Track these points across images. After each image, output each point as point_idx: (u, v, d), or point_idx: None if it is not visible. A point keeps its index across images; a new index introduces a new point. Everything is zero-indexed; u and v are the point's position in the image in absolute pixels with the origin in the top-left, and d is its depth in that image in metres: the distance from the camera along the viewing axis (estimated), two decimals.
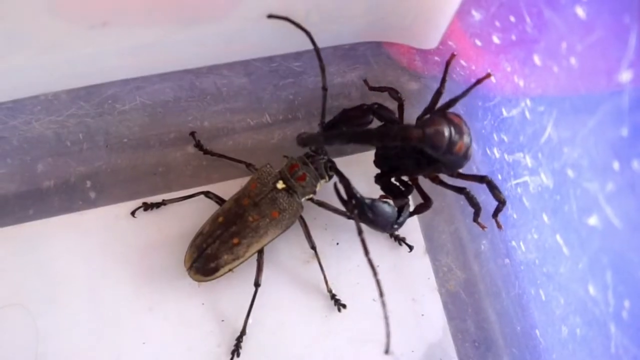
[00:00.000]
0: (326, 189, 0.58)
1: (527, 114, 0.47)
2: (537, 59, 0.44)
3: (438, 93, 0.56)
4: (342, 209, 0.53)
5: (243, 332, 0.57)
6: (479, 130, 0.56)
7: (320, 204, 0.59)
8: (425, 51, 0.57)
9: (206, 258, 0.56)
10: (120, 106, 0.61)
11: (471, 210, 0.58)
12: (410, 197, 0.55)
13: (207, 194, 0.60)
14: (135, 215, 0.61)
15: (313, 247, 0.58)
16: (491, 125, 0.54)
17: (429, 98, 0.59)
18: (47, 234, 0.62)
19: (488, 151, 0.56)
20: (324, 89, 0.55)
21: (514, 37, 0.46)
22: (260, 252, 0.57)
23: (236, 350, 0.57)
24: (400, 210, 0.54)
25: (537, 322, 0.54)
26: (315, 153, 0.58)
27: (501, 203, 0.55)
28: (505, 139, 0.53)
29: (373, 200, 0.52)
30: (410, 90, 0.61)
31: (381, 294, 0.44)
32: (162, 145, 0.65)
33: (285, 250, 0.61)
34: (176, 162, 0.65)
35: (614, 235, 0.39)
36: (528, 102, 0.47)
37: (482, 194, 0.57)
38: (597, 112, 0.38)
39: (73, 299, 0.59)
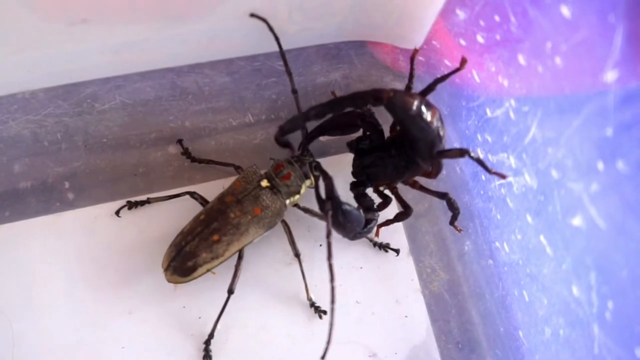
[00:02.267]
0: (312, 196, 0.58)
1: (512, 114, 0.47)
2: (521, 59, 0.44)
3: (407, 89, 0.56)
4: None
5: (211, 336, 0.56)
6: (462, 130, 0.56)
7: (306, 210, 0.59)
8: (409, 51, 0.57)
9: (184, 256, 0.54)
10: (99, 105, 0.60)
11: None
12: (378, 213, 0.56)
13: (192, 194, 0.59)
14: (119, 215, 0.60)
15: (297, 255, 0.57)
16: (475, 126, 0.54)
17: None
18: (24, 235, 0.60)
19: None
20: (294, 91, 0.55)
21: (498, 37, 0.46)
22: (240, 258, 0.56)
23: (206, 354, 0.56)
24: (368, 222, 0.54)
25: (521, 323, 0.54)
26: (301, 154, 0.58)
27: (456, 215, 0.57)
28: (489, 139, 0.52)
29: (349, 205, 0.52)
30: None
31: (332, 301, 0.44)
32: (142, 145, 0.64)
33: (268, 252, 0.60)
34: (157, 162, 0.63)
35: (598, 235, 0.39)
36: (512, 102, 0.47)
37: (466, 195, 0.57)
38: (582, 112, 0.38)
39: (51, 302, 0.58)
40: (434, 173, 0.57)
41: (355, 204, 0.55)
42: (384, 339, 0.58)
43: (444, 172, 0.61)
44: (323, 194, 0.49)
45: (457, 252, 0.61)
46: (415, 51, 0.56)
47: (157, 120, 0.63)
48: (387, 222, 0.60)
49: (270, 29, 0.52)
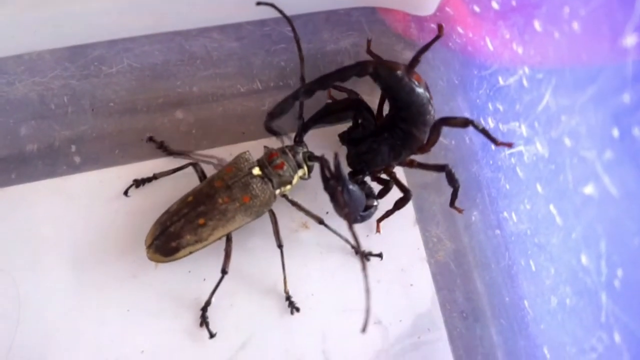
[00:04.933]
0: (301, 191, 0.59)
1: (525, 82, 0.47)
2: (537, 25, 0.43)
3: (415, 61, 0.55)
4: (314, 212, 0.57)
5: (207, 304, 0.56)
6: (473, 100, 0.56)
7: (294, 203, 0.58)
8: (421, 18, 0.56)
9: (168, 236, 0.54)
10: (107, 68, 0.60)
11: (462, 181, 0.58)
12: (378, 200, 0.56)
13: (195, 165, 0.58)
14: (128, 195, 0.60)
15: (280, 246, 0.56)
16: (486, 95, 0.53)
17: (424, 68, 0.58)
18: (30, 198, 0.60)
19: (482, 121, 0.56)
20: (302, 78, 0.54)
21: (514, 3, 0.45)
22: (229, 240, 0.56)
23: (203, 321, 0.56)
24: (367, 208, 0.55)
25: (526, 292, 0.54)
26: (295, 144, 0.57)
27: (456, 190, 0.57)
28: (501, 108, 0.52)
29: (353, 185, 0.52)
30: (404, 59, 0.60)
31: (363, 268, 0.43)
32: (149, 110, 0.63)
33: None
34: (164, 127, 0.63)
35: (610, 203, 0.39)
36: (526, 69, 0.46)
37: (474, 165, 0.57)
38: (599, 79, 0.37)
39: (56, 265, 0.58)
40: (429, 144, 0.58)
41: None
42: (389, 306, 0.58)
43: (452, 142, 0.61)
44: (330, 170, 0.49)
45: (464, 222, 0.61)
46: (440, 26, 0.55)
47: (165, 85, 0.62)
48: (387, 214, 0.59)
49: (282, 13, 0.52)
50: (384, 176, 0.59)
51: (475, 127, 0.53)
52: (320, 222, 0.57)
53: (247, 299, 0.58)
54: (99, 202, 0.60)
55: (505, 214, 0.56)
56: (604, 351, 0.42)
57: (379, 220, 0.60)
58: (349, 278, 0.59)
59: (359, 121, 0.60)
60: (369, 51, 0.61)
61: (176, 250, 0.54)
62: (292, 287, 0.58)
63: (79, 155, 0.62)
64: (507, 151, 0.52)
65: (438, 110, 0.57)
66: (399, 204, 0.58)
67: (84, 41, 0.56)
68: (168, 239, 0.54)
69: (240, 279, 0.58)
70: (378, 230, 0.60)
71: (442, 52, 0.58)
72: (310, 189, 0.61)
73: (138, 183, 0.60)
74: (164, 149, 0.62)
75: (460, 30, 0.53)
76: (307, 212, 0.57)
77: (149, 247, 0.55)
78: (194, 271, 0.59)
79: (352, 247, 0.59)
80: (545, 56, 0.44)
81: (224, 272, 0.55)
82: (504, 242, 0.57)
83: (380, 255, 0.59)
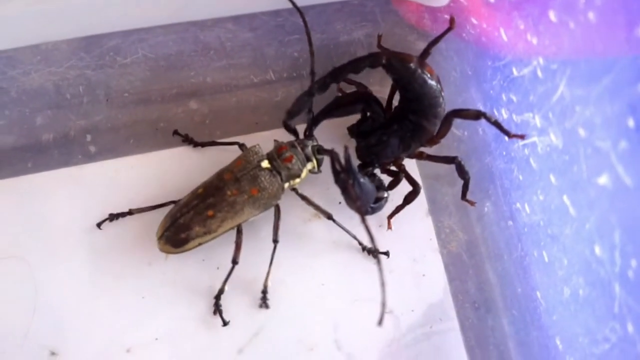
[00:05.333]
0: (313, 184, 0.59)
1: (539, 73, 0.47)
2: (552, 15, 0.43)
3: (426, 53, 0.56)
4: (324, 206, 0.57)
5: (221, 292, 0.57)
6: (487, 91, 0.56)
7: (303, 197, 0.58)
8: (434, 9, 0.56)
9: (178, 227, 0.55)
10: (121, 59, 0.60)
11: (475, 172, 0.58)
12: (388, 192, 0.56)
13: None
14: (101, 228, 0.59)
15: (275, 241, 0.56)
16: (500, 86, 0.53)
17: (437, 59, 0.58)
18: (47, 187, 0.61)
19: (496, 112, 0.55)
20: (311, 72, 0.55)
21: None
22: (239, 232, 0.56)
23: (216, 309, 0.57)
24: (378, 199, 0.56)
25: (539, 283, 0.54)
26: (305, 138, 0.57)
27: (466, 182, 0.58)
28: (514, 99, 0.52)
29: (364, 178, 0.52)
30: (417, 50, 0.60)
31: (379, 260, 0.44)
32: (163, 100, 0.64)
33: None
34: (178, 117, 0.64)
35: (624, 194, 0.39)
36: (540, 60, 0.46)
37: (487, 156, 0.57)
38: (614, 69, 0.37)
39: (72, 252, 0.59)
40: (439, 136, 0.58)
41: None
42: (401, 296, 0.58)
43: (464, 133, 0.61)
44: (340, 163, 0.49)
45: (477, 214, 0.61)
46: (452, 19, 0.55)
47: (179, 75, 0.63)
48: (398, 209, 0.59)
49: (293, 4, 0.52)
50: (393, 168, 0.60)
51: (488, 119, 0.53)
52: (329, 217, 0.57)
53: (260, 288, 0.58)
54: (114, 191, 0.60)
55: (518, 205, 0.56)
56: (617, 341, 0.42)
57: (390, 216, 0.60)
58: (361, 268, 0.59)
59: (368, 114, 0.60)
60: (379, 46, 0.61)
61: (185, 241, 0.55)
62: (304, 276, 0.59)
63: (94, 145, 0.63)
64: (521, 142, 0.52)
65: (451, 101, 0.57)
66: (409, 198, 0.58)
67: (100, 31, 0.57)
68: (178, 231, 0.55)
69: (254, 268, 0.58)
70: (389, 227, 0.60)
71: (455, 43, 0.58)
72: (321, 182, 0.61)
73: (112, 217, 0.59)
74: (190, 141, 0.62)
75: (474, 21, 0.53)
76: (317, 207, 0.57)
77: (159, 238, 0.56)
78: (208, 260, 0.59)
79: (360, 243, 0.59)
80: (560, 47, 0.44)
81: (234, 262, 0.56)
82: (516, 234, 0.57)
83: (387, 253, 0.59)
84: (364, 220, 0.44)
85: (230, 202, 0.55)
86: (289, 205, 0.59)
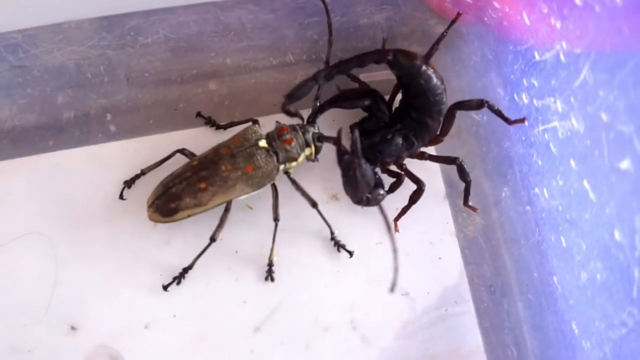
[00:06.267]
0: (303, 174, 0.59)
1: (562, 57, 0.47)
2: None
3: (433, 49, 0.57)
4: (311, 195, 0.56)
5: (190, 267, 0.58)
6: (507, 75, 0.56)
7: (293, 181, 0.58)
8: None
9: (169, 197, 0.55)
10: (142, 39, 0.60)
11: (493, 157, 0.58)
12: (385, 192, 0.55)
13: (182, 151, 0.59)
14: (124, 198, 0.60)
15: (275, 219, 0.57)
16: (521, 70, 0.53)
17: (457, 43, 0.58)
18: (67, 165, 0.62)
19: (516, 97, 0.55)
20: (326, 62, 0.55)
21: None
22: (226, 210, 0.57)
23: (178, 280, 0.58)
24: (376, 194, 0.54)
25: (556, 268, 0.54)
26: (307, 123, 0.58)
27: (468, 185, 0.58)
28: (536, 83, 0.52)
29: (367, 164, 0.52)
30: (437, 34, 0.59)
31: (394, 250, 0.45)
32: (183, 81, 0.64)
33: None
34: (197, 98, 0.64)
35: None
36: (564, 44, 0.46)
37: (506, 141, 0.57)
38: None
39: (92, 229, 0.60)
40: (443, 134, 0.58)
41: None
42: (417, 279, 0.59)
43: (484, 117, 0.61)
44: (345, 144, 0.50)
45: (494, 198, 0.61)
46: (459, 15, 0.57)
47: (199, 56, 0.63)
48: (404, 210, 0.59)
49: None
50: (394, 169, 0.60)
51: (490, 107, 0.54)
52: (314, 205, 0.57)
53: (276, 269, 0.59)
54: (134, 170, 0.61)
55: (536, 190, 0.56)
56: (635, 326, 0.42)
57: (396, 219, 0.60)
58: (377, 249, 0.60)
59: (373, 112, 0.60)
60: (383, 50, 0.61)
61: (175, 211, 0.55)
62: (322, 257, 0.59)
63: (114, 124, 0.64)
64: (541, 127, 0.52)
65: (471, 85, 0.58)
66: (414, 197, 0.58)
67: (122, 11, 0.57)
68: (168, 200, 0.55)
69: (268, 249, 0.58)
70: (397, 229, 0.60)
71: (476, 27, 0.58)
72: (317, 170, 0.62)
73: (128, 183, 0.60)
74: (212, 124, 0.63)
75: (496, 4, 0.53)
76: (304, 193, 0.57)
77: (149, 206, 0.56)
78: (226, 240, 0.60)
79: (331, 233, 0.59)
80: (584, 30, 0.44)
81: (212, 239, 0.56)
82: (534, 219, 0.57)
83: (350, 253, 0.59)
84: (380, 206, 0.46)
85: (224, 177, 0.55)
86: (306, 186, 0.59)
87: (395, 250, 0.44)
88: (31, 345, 0.56)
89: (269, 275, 0.58)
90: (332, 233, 0.59)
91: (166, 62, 0.63)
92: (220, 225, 0.56)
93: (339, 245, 0.59)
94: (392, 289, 0.44)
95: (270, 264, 0.58)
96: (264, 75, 0.65)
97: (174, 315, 0.58)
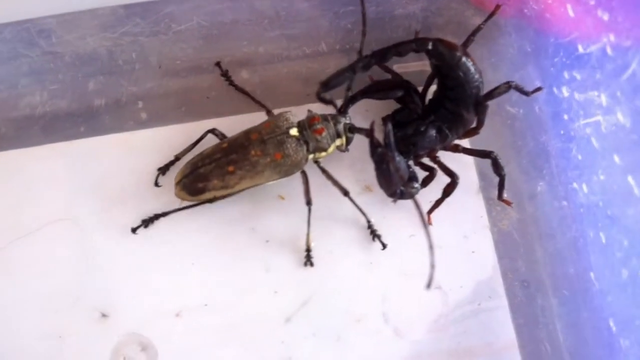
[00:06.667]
0: (335, 165, 0.59)
1: (609, 50, 0.46)
2: None
3: (469, 41, 0.57)
4: (342, 184, 0.56)
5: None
6: (547, 68, 0.55)
7: (324, 170, 0.57)
8: None
9: (196, 176, 0.55)
10: (176, 26, 0.60)
11: (529, 150, 0.58)
12: (419, 186, 0.55)
13: (212, 131, 0.59)
14: (159, 185, 0.60)
15: (308, 203, 0.56)
16: (562, 63, 0.53)
17: (493, 35, 0.57)
18: (99, 151, 0.62)
19: (555, 90, 0.55)
20: (360, 52, 0.54)
21: None
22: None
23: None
24: (410, 187, 0.53)
25: (593, 265, 0.54)
26: (339, 113, 0.57)
27: (502, 179, 0.57)
28: (578, 77, 0.51)
29: (399, 157, 0.52)
30: (473, 25, 0.59)
31: (430, 247, 0.44)
32: (215, 69, 0.63)
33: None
34: (229, 87, 0.63)
35: None
36: (611, 37, 0.45)
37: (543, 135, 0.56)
38: None
39: (123, 216, 0.59)
40: (479, 125, 0.58)
41: None
42: (449, 272, 0.58)
43: (520, 110, 0.60)
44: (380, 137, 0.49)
45: (529, 192, 0.60)
46: (498, 7, 0.56)
47: (231, 44, 0.62)
48: (437, 203, 0.59)
49: None
50: (426, 162, 0.59)
51: (517, 87, 0.55)
52: (346, 193, 0.57)
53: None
54: (165, 158, 0.60)
55: (574, 185, 0.55)
56: None
57: (430, 212, 0.59)
58: (410, 242, 0.59)
59: (406, 103, 0.60)
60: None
61: (202, 191, 0.56)
62: (354, 249, 0.59)
63: (146, 112, 0.63)
64: (582, 121, 0.51)
65: (507, 77, 0.57)
66: (448, 190, 0.58)
67: None
68: (196, 179, 0.55)
69: (304, 240, 0.58)
70: (430, 222, 0.59)
71: (515, 19, 0.57)
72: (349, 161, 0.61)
73: (163, 170, 0.60)
74: (227, 78, 0.63)
75: None
76: (335, 182, 0.57)
77: (177, 183, 0.56)
78: (258, 229, 0.59)
79: (367, 221, 0.59)
80: (635, 23, 0.43)
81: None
82: (570, 214, 0.56)
83: (384, 244, 0.59)
84: (414, 200, 0.45)
85: (253, 162, 0.55)
86: (338, 176, 0.58)
87: (431, 247, 0.44)
88: (61, 332, 0.57)
89: (308, 260, 0.58)
90: (368, 222, 0.59)
91: (199, 50, 0.63)
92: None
93: (374, 235, 0.59)
94: (428, 286, 0.43)
95: (309, 249, 0.58)
96: (297, 64, 0.64)
97: (205, 305, 0.58)
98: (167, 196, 0.59)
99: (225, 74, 0.63)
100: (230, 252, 0.59)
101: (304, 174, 0.57)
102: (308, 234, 0.58)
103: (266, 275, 0.58)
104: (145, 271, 0.58)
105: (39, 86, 0.63)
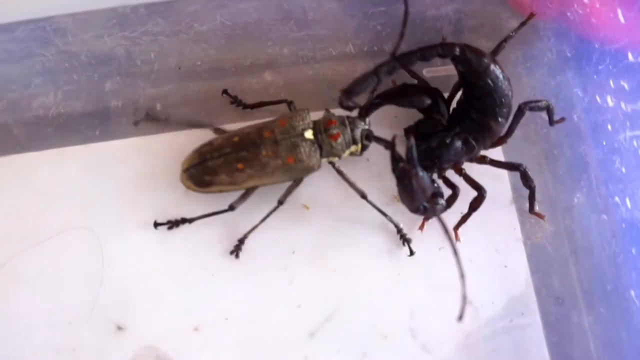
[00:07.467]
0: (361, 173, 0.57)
1: None
2: None
3: (499, 47, 0.55)
4: (359, 187, 0.54)
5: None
6: (589, 75, 0.52)
7: (339, 171, 0.55)
8: None
9: (205, 169, 0.53)
10: (198, 25, 0.58)
11: (566, 160, 0.55)
12: (444, 202, 0.52)
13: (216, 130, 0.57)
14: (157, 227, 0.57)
15: (363, 196, 0.54)
16: (608, 71, 0.50)
17: (530, 38, 0.55)
18: (115, 156, 0.59)
19: (598, 99, 0.52)
20: (392, 54, 0.51)
21: None
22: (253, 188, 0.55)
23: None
24: (434, 203, 0.51)
25: (634, 282, 0.51)
26: (358, 118, 0.54)
27: (532, 191, 0.55)
28: (626, 86, 0.49)
29: (423, 173, 0.49)
30: (509, 28, 0.56)
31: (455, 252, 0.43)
32: (237, 71, 0.61)
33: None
34: (252, 89, 0.61)
35: None
36: None
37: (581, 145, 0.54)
38: None
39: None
40: (508, 133, 0.55)
41: None
42: (481, 287, 0.56)
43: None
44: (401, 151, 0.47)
45: (565, 205, 0.58)
46: (532, 15, 0.55)
47: (255, 45, 0.60)
48: (464, 218, 0.56)
49: None
50: (450, 178, 0.56)
51: (550, 111, 0.54)
52: (363, 196, 0.55)
53: (335, 272, 0.56)
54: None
55: (616, 198, 0.53)
56: None
57: (456, 227, 0.57)
58: (439, 255, 0.57)
59: (432, 113, 0.57)
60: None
61: (209, 184, 0.54)
62: (381, 261, 0.57)
63: (164, 115, 0.61)
64: (629, 133, 0.49)
65: (542, 84, 0.55)
66: (475, 205, 0.55)
67: None
68: (203, 172, 0.54)
69: (329, 251, 0.56)
70: (457, 239, 0.57)
71: (556, 22, 0.54)
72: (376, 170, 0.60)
73: (172, 225, 0.57)
74: (238, 103, 0.60)
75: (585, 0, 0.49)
76: (351, 184, 0.55)
77: (184, 170, 0.55)
78: (281, 241, 0.57)
79: (396, 226, 0.57)
80: None
81: (231, 208, 0.55)
82: (610, 228, 0.54)
83: (412, 251, 0.57)
84: (439, 217, 0.44)
85: (263, 163, 0.52)
86: (364, 186, 0.56)
87: (462, 276, 0.42)
88: (75, 345, 0.54)
89: (404, 240, 0.56)
90: (396, 226, 0.57)
91: (220, 51, 0.60)
92: (244, 198, 0.55)
93: (404, 239, 0.57)
94: (460, 318, 0.42)
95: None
96: (322, 66, 0.62)
97: (226, 318, 0.55)
98: (188, 205, 0.57)
99: (235, 100, 0.60)
100: (252, 263, 0.56)
101: (340, 172, 0.55)
102: (255, 227, 0.56)
103: (289, 287, 0.56)
104: (163, 282, 0.56)
105: (52, 86, 0.60)
